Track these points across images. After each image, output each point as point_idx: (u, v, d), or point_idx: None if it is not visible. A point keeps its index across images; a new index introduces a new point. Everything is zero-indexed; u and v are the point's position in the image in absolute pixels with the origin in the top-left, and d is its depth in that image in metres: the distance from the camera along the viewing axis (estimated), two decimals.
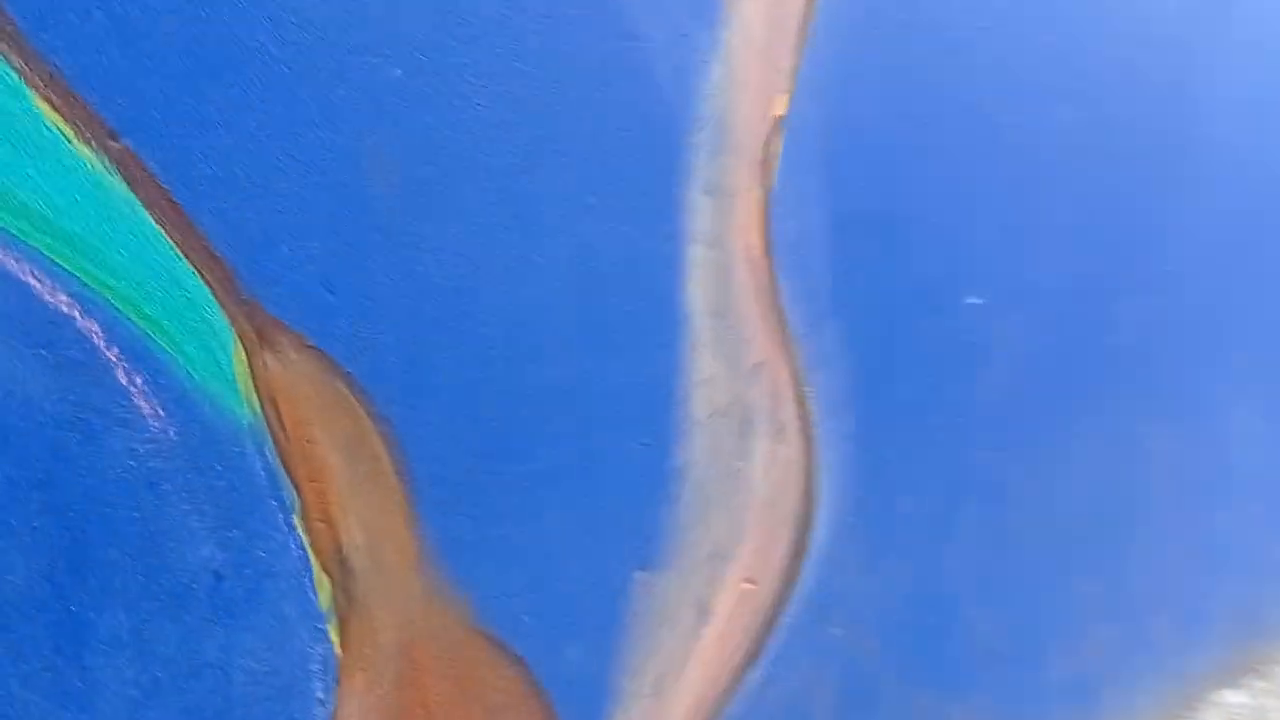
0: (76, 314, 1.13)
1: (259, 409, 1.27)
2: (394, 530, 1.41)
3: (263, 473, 1.28)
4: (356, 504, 1.36)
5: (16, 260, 1.09)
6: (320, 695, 1.37)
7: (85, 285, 1.13)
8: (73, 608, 1.17)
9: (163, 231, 1.17)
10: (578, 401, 1.57)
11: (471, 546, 1.49)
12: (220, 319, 1.22)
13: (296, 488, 1.31)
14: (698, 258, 1.67)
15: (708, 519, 1.78)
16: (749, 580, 1.86)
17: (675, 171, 1.63)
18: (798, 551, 1.92)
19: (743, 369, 1.76)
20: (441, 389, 1.42)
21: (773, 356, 1.80)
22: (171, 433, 1.21)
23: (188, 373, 1.21)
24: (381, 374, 1.36)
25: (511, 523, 1.52)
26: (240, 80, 1.21)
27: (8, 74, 1.06)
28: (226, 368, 1.24)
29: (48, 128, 1.09)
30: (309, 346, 1.29)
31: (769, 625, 1.90)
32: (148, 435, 1.19)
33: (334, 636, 1.37)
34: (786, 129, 1.74)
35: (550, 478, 1.54)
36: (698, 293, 1.68)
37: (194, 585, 1.25)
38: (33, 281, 1.10)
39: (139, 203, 1.16)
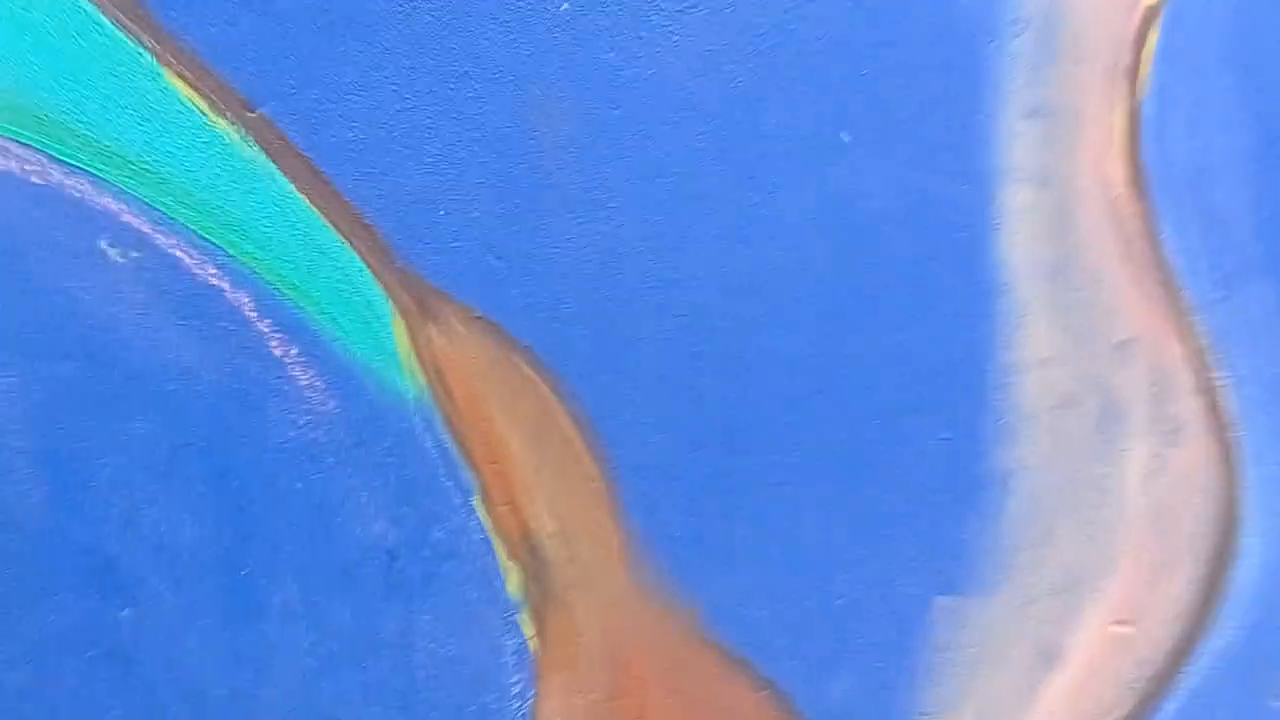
0: (225, 286, 1.14)
1: (426, 384, 1.20)
2: (592, 521, 1.27)
3: (435, 451, 1.21)
4: (545, 489, 1.24)
5: (165, 235, 1.12)
6: (517, 688, 1.28)
7: (232, 257, 1.14)
8: (242, 573, 1.20)
9: (306, 201, 1.14)
10: (834, 382, 1.28)
11: (692, 548, 1.29)
12: (375, 290, 1.17)
13: (475, 469, 1.22)
14: (1022, 202, 1.28)
15: (1053, 539, 1.38)
16: (1121, 622, 1.41)
17: (982, 91, 1.25)
18: (1207, 592, 1.42)
19: (1100, 346, 1.33)
20: (642, 365, 1.23)
21: (1153, 331, 1.33)
22: (332, 406, 1.18)
23: (344, 345, 1.18)
24: (567, 348, 1.22)
25: (745, 524, 1.29)
26: (379, 34, 1.13)
27: (141, 54, 1.09)
28: (386, 341, 1.18)
29: (183, 103, 1.11)
30: (477, 318, 1.19)
31: (1159, 685, 1.44)
32: (306, 408, 1.18)
33: (529, 629, 1.27)
34: (1165, 19, 1.26)
35: (800, 474, 1.28)
36: (1023, 247, 1.29)
37: (366, 562, 1.22)
38: (181, 255, 1.13)
39: (279, 172, 1.13)
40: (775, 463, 1.27)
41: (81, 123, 1.09)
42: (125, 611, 1.18)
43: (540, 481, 1.24)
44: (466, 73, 1.15)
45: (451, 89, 1.15)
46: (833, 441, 1.29)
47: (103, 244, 1.11)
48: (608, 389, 1.23)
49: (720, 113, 1.20)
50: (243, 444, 1.17)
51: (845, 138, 1.23)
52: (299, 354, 1.17)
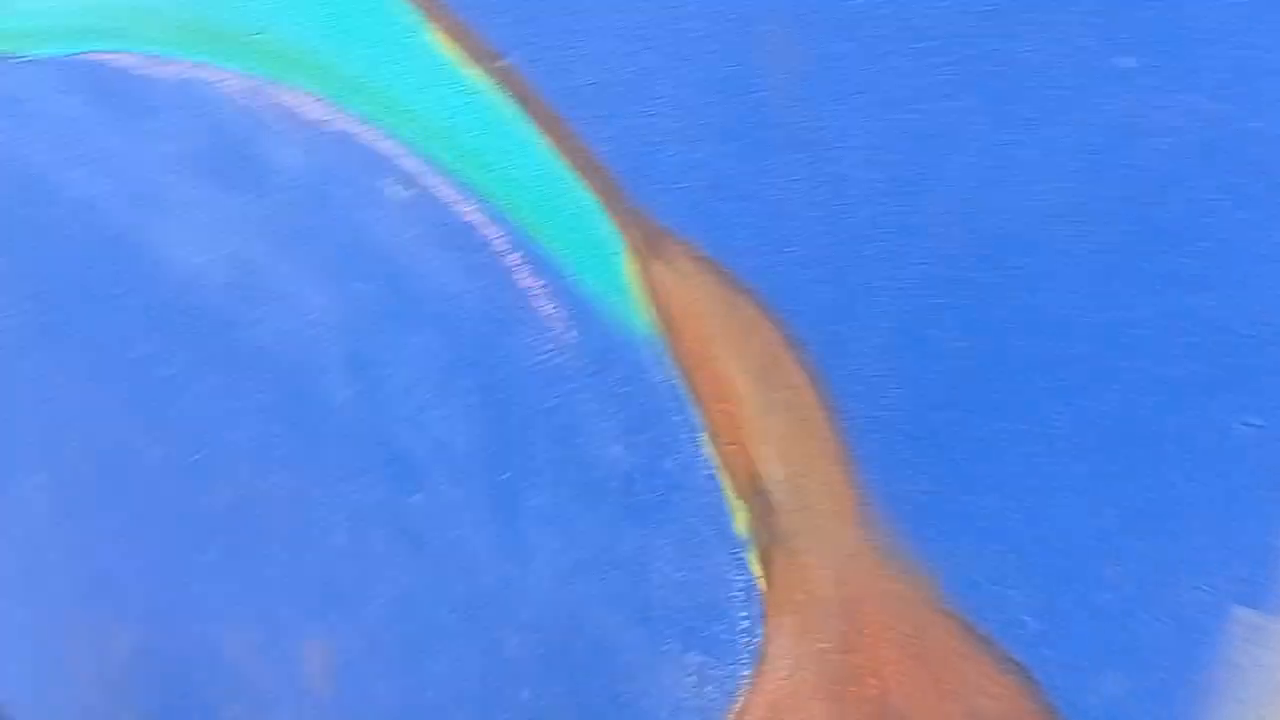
0: (481, 221, 1.25)
1: (655, 320, 1.23)
2: (822, 471, 1.23)
3: (664, 385, 1.25)
4: (773, 434, 1.23)
5: (432, 175, 1.26)
6: (745, 624, 1.30)
7: (485, 196, 1.25)
8: (502, 477, 1.35)
9: (549, 142, 1.21)
10: (1105, 348, 1.11)
11: (932, 514, 1.21)
12: (609, 228, 1.22)
13: (702, 406, 1.24)
14: None
15: None
16: None
17: None
18: None
19: None
20: (875, 315, 1.16)
21: None
22: (572, 335, 1.26)
23: (581, 280, 1.25)
24: (795, 293, 1.18)
25: (991, 495, 1.18)
26: None
27: (406, 11, 1.22)
28: (619, 277, 1.23)
29: (442, 56, 1.22)
30: (704, 258, 1.20)
31: None
32: (550, 335, 1.27)
33: (757, 569, 1.28)
34: None
35: (1058, 448, 1.14)
36: None
37: (608, 481, 1.30)
38: (445, 193, 1.26)
39: (524, 117, 1.21)
40: (1028, 432, 1.14)
41: (359, 76, 1.25)
42: (415, 497, 1.38)
43: (768, 426, 1.23)
44: (693, 12, 1.13)
45: (678, 29, 1.14)
46: (1101, 415, 1.12)
47: (384, 183, 1.27)
48: (838, 338, 1.18)
49: (965, 37, 1.07)
50: (503, 362, 1.29)
51: (1126, 63, 1.03)
52: (544, 285, 1.25)
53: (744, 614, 1.30)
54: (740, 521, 1.26)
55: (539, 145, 1.21)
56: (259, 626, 1.56)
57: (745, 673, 1.32)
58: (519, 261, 1.26)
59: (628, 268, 1.22)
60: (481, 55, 1.21)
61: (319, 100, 1.28)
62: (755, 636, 1.31)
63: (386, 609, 1.47)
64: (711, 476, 1.26)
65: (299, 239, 1.34)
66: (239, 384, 1.43)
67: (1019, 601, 1.19)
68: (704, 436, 1.25)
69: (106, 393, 1.49)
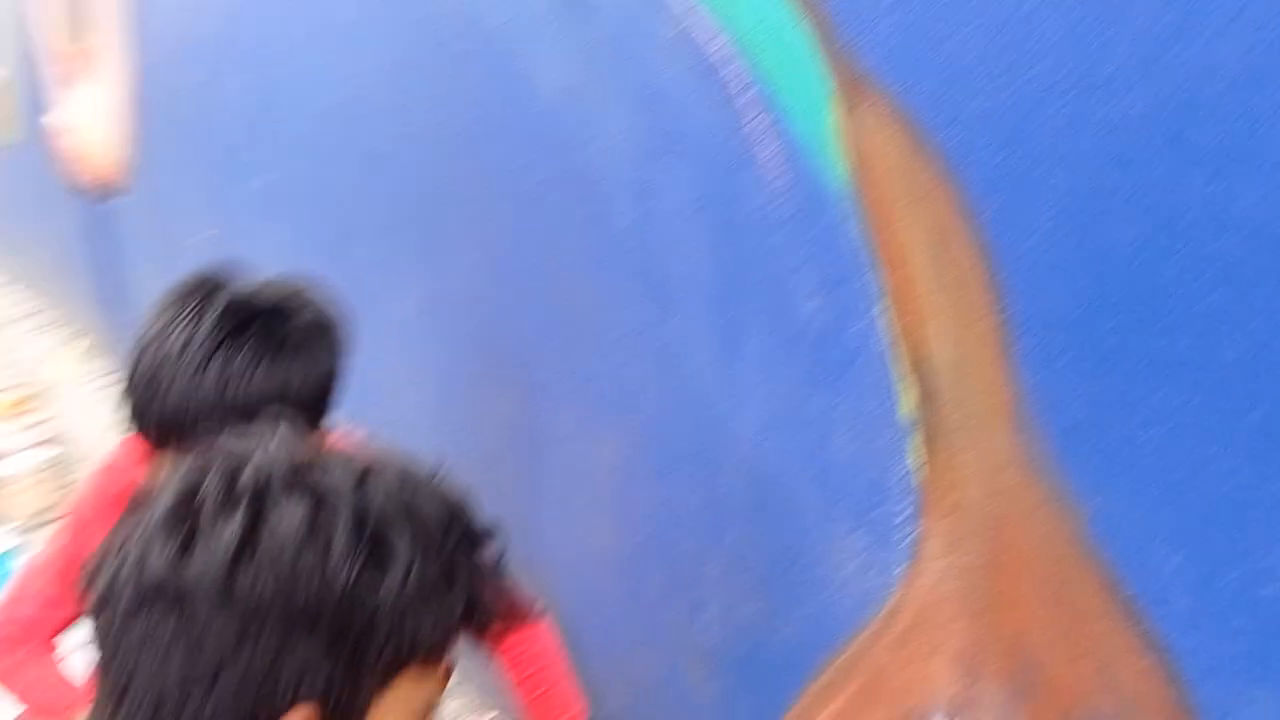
0: (724, 59, 1.30)
1: (849, 174, 1.19)
2: (981, 364, 1.10)
3: (853, 245, 1.20)
4: (942, 314, 1.13)
5: (696, 16, 1.32)
6: (904, 515, 1.23)
7: (725, 29, 1.28)
8: (729, 316, 1.40)
9: None
10: None
11: (1087, 434, 1.03)
12: (820, 71, 1.19)
13: (883, 272, 1.18)
14: None
15: None
16: None
17: None
18: None
19: None
20: (1049, 190, 1.01)
21: None
22: (785, 181, 1.27)
23: (793, 125, 1.24)
24: (970, 155, 1.06)
25: (1157, 426, 0.97)
26: None
27: None
28: (824, 124, 1.20)
29: None
30: (895, 109, 1.12)
31: None
32: (770, 180, 1.28)
33: (918, 459, 1.19)
34: None
35: (1252, 386, 0.91)
36: None
37: (803, 337, 1.30)
38: (700, 31, 1.32)
39: None
40: (1215, 360, 0.92)
41: None
42: (670, 323, 1.48)
43: (937, 304, 1.13)
44: None
45: None
46: None
47: (661, 19, 1.36)
48: (1009, 211, 1.04)
49: None
50: (733, 201, 1.33)
51: None
52: (768, 127, 1.26)
53: (904, 505, 1.22)
54: (907, 404, 1.18)
55: None
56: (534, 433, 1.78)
57: (901, 569, 1.24)
58: (750, 101, 1.27)
59: (833, 114, 1.18)
60: None
61: None
62: (910, 532, 1.22)
63: (639, 430, 1.60)
64: (886, 350, 1.19)
65: (609, 70, 1.48)
66: (555, 206, 1.63)
67: (1169, 569, 0.98)
68: (883, 305, 1.18)
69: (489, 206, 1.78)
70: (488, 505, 0.89)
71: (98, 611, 0.81)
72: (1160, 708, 1.02)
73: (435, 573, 0.83)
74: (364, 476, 0.83)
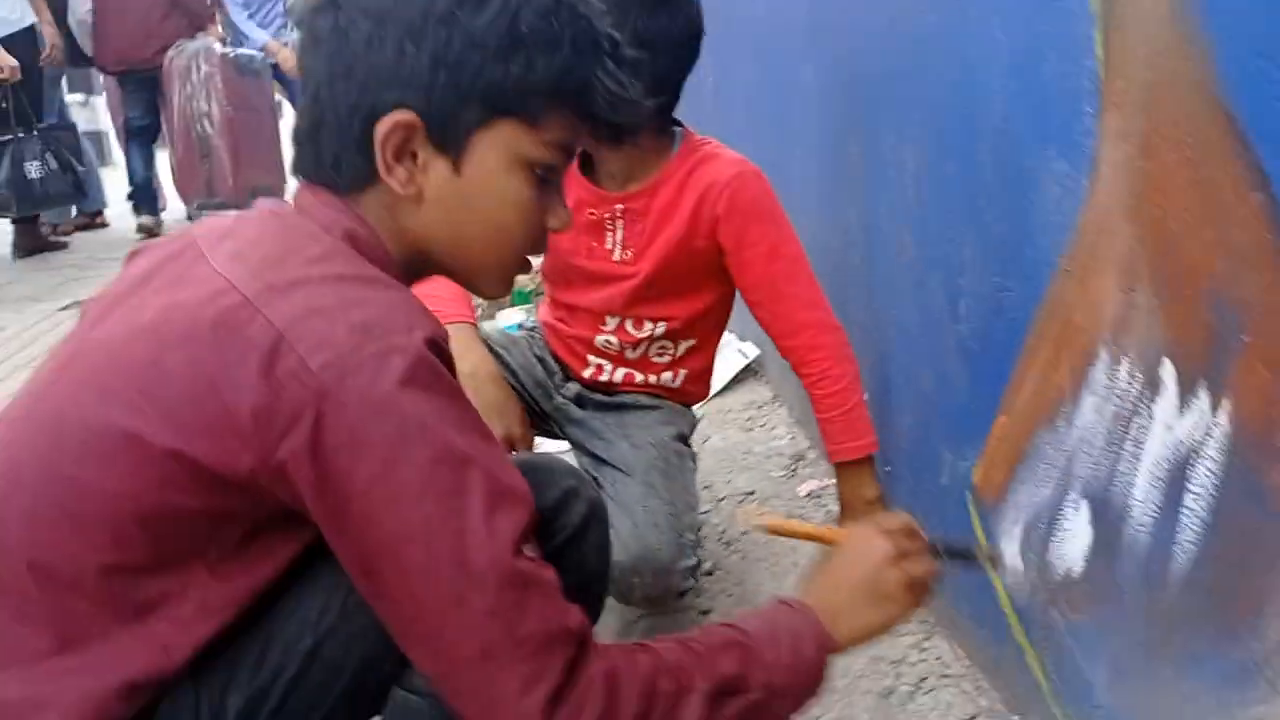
0: None
1: None
2: None
3: None
4: None
5: None
6: (1088, 120, 1.16)
7: None
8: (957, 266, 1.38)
9: None
10: None
11: None
12: None
13: None
14: None
15: None
16: None
17: None
18: None
19: None
20: None
21: None
22: None
23: None
24: None
25: None
26: None
27: None
28: None
29: None
30: None
31: None
32: None
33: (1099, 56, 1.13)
34: None
35: None
36: None
37: None
38: None
39: None
40: None
41: None
42: None
43: None
44: None
45: None
46: None
47: None
48: None
49: None
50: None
51: None
52: None
53: (1088, 108, 1.15)
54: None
55: None
56: None
57: (1087, 180, 1.17)
58: None
59: None
60: None
61: None
62: (1091, 140, 1.15)
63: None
64: None
65: None
66: None
67: None
68: None
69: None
70: None
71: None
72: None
73: (537, 26, 0.99)
74: None
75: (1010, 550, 1.38)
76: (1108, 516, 1.17)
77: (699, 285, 1.83)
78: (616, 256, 1.83)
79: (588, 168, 1.83)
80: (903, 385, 1.82)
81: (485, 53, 0.98)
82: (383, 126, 0.98)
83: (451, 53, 0.98)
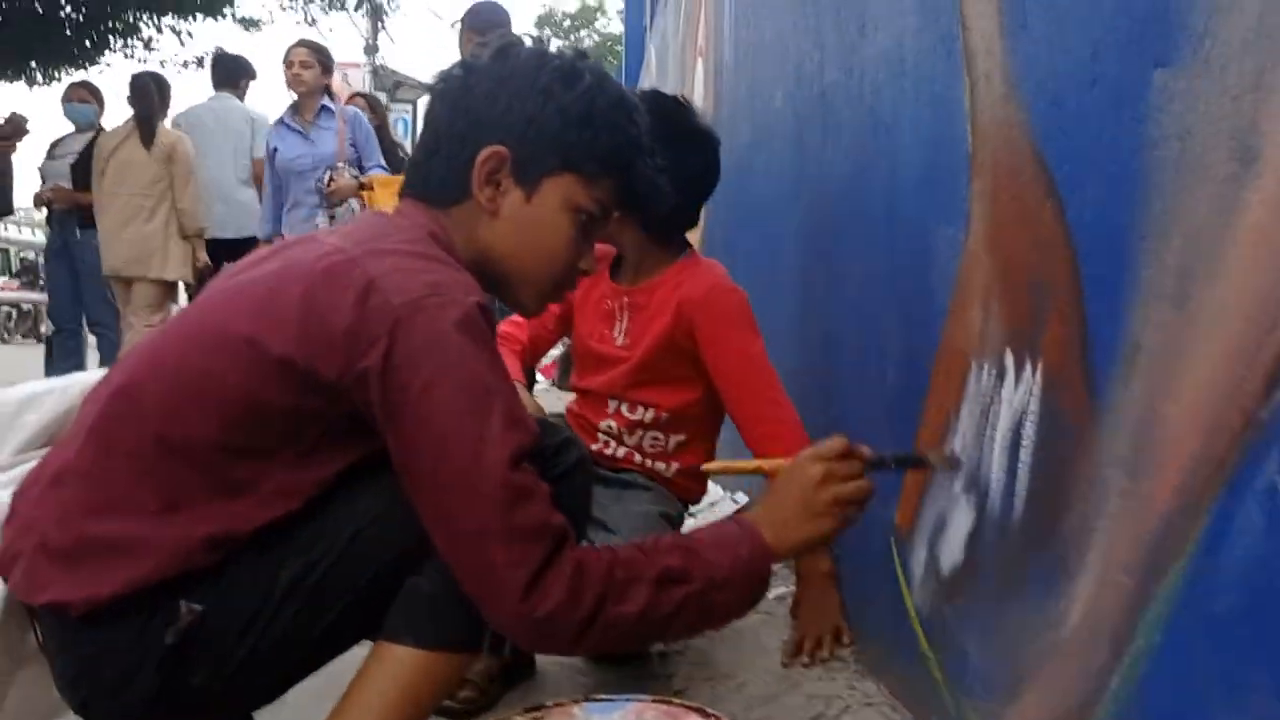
0: None
1: None
2: None
3: None
4: None
5: None
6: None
7: None
8: None
9: None
10: None
11: None
12: None
13: None
14: None
15: None
16: None
17: None
18: None
19: None
20: None
21: None
22: None
23: None
24: None
25: None
26: None
27: None
28: None
29: None
30: None
31: None
32: None
33: None
34: None
35: None
36: None
37: None
38: None
39: None
40: None
41: None
42: None
43: None
44: None
45: None
46: None
47: None
48: None
49: None
50: None
51: None
52: None
53: (964, 180, 1.49)
54: None
55: None
56: None
57: (962, 236, 1.50)
58: None
59: None
60: None
61: None
62: (965, 204, 1.49)
63: None
64: None
65: None
66: None
67: None
68: None
69: None
70: None
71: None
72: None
73: (605, 112, 1.40)
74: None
75: (919, 561, 1.62)
76: (977, 499, 1.43)
77: (682, 378, 2.16)
78: (619, 342, 2.19)
79: (615, 270, 2.21)
80: None
81: (567, 121, 1.39)
82: (483, 155, 1.38)
83: (543, 115, 1.39)
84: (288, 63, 5.47)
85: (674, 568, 1.29)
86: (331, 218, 5.36)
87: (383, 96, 22.08)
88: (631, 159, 1.45)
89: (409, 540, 1.30)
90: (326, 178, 5.32)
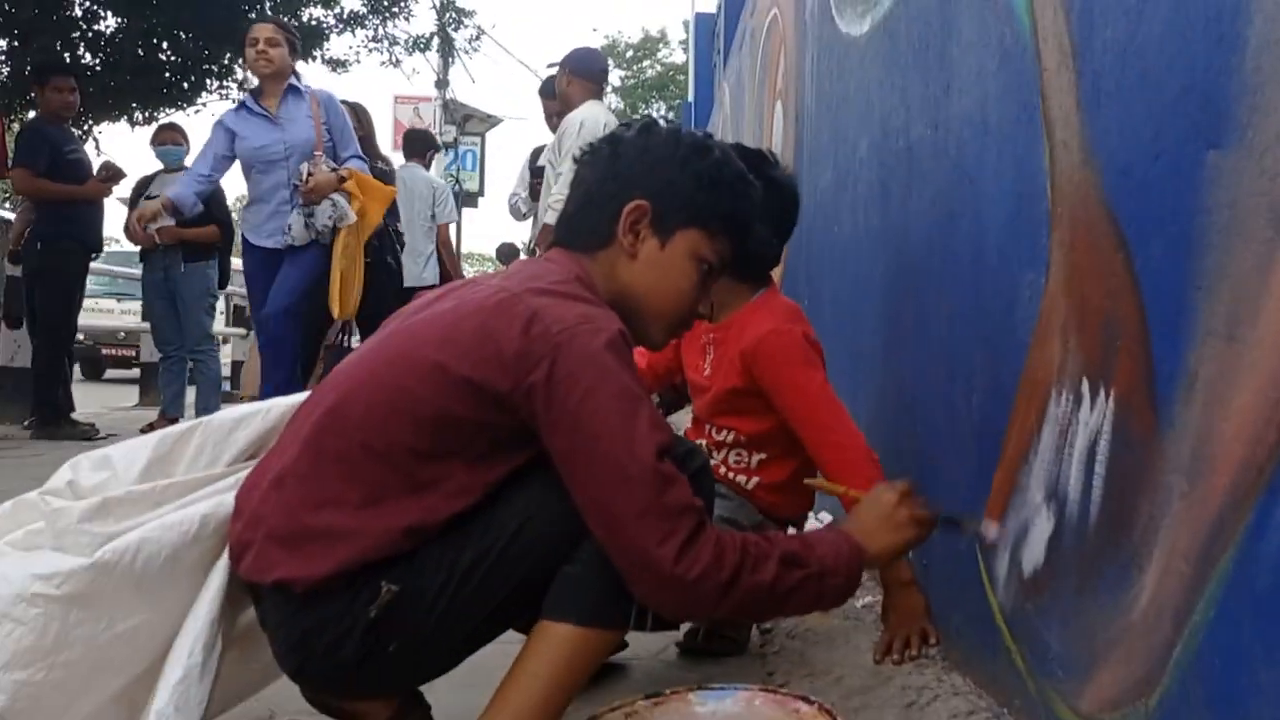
0: None
1: None
2: None
3: None
4: None
5: None
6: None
7: None
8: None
9: None
10: None
11: None
12: None
13: None
14: None
15: None
16: None
17: None
18: None
19: None
20: None
21: None
22: None
23: None
24: None
25: None
26: None
27: None
28: None
29: None
30: None
31: None
32: None
33: None
34: None
35: None
36: None
37: None
38: None
39: None
40: None
41: None
42: None
43: None
44: None
45: None
46: None
47: None
48: None
49: None
50: None
51: None
52: None
53: (1044, 231, 1.72)
54: None
55: None
56: None
57: (1043, 280, 1.73)
58: None
59: None
60: None
61: None
62: (1046, 253, 1.72)
63: None
64: None
65: None
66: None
67: None
68: None
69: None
70: None
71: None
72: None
73: (730, 180, 1.72)
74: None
75: (1002, 566, 1.84)
76: (1056, 508, 1.65)
77: (757, 409, 2.42)
78: (706, 372, 2.49)
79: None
80: (931, 481, 2.31)
81: (699, 184, 1.69)
82: (629, 206, 1.71)
83: (679, 178, 1.69)
84: (251, 40, 5.02)
85: (795, 552, 1.55)
86: (309, 215, 4.85)
87: (452, 129, 22.70)
88: (748, 220, 1.75)
89: (563, 530, 1.57)
90: (304, 173, 4.86)
